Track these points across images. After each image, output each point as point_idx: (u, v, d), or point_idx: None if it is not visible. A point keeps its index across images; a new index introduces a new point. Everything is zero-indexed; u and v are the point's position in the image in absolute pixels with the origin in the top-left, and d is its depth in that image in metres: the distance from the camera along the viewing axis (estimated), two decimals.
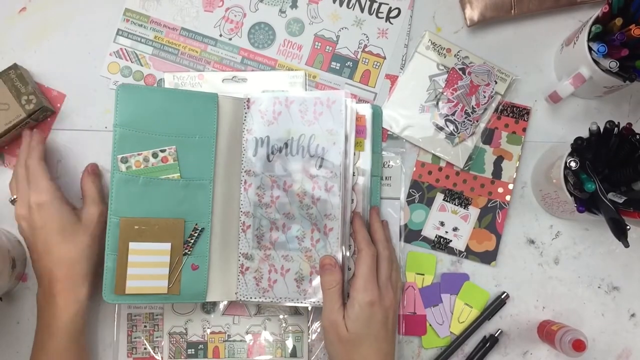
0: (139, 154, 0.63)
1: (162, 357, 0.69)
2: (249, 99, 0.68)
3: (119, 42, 0.72)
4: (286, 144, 0.67)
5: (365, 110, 0.69)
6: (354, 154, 0.67)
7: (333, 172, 0.65)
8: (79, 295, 0.62)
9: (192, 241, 0.64)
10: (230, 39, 0.72)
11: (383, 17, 0.73)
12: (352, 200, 0.67)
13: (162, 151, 0.63)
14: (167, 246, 0.63)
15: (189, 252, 0.64)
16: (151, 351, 0.69)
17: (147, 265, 0.63)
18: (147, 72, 0.72)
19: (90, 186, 0.66)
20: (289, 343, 0.70)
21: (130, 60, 0.72)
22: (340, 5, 0.73)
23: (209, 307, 0.70)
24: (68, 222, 0.62)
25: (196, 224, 0.65)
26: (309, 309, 0.70)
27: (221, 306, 0.70)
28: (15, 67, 0.68)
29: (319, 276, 0.64)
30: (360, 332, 0.60)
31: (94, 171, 0.68)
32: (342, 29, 0.73)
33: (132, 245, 0.62)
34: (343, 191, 0.65)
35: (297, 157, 0.66)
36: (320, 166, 0.65)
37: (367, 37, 0.73)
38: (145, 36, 0.72)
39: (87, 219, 0.64)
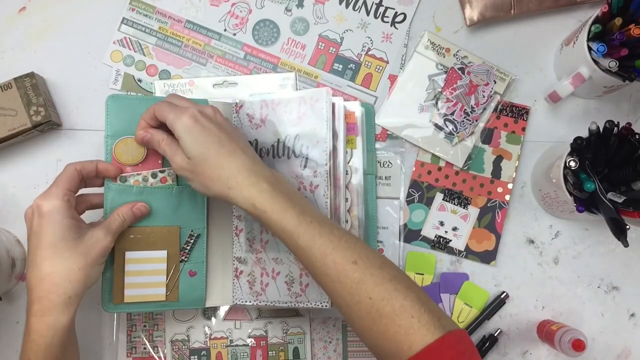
0: (138, 174, 0.62)
1: None
2: (236, 103, 0.68)
3: (123, 30, 0.72)
4: (273, 146, 0.66)
5: (355, 107, 0.68)
6: (347, 152, 0.67)
7: (317, 171, 0.63)
8: (57, 322, 0.54)
9: (188, 248, 0.64)
10: (234, 34, 0.72)
11: (388, 22, 0.72)
12: (347, 199, 0.66)
13: (162, 172, 0.63)
14: (163, 254, 0.63)
15: (186, 259, 0.64)
16: (151, 351, 0.69)
17: (144, 274, 0.62)
18: (149, 62, 0.72)
19: (118, 217, 0.60)
20: (292, 345, 0.70)
21: (134, 49, 0.72)
22: (347, 7, 0.72)
23: (209, 313, 0.70)
24: (63, 238, 0.55)
25: (192, 231, 0.64)
26: (310, 311, 0.69)
27: (222, 311, 0.70)
28: (31, 75, 0.67)
29: (309, 278, 0.63)
30: (201, 150, 0.55)
31: (140, 212, 0.61)
32: (347, 30, 0.72)
33: (128, 255, 0.61)
34: (331, 191, 0.64)
35: (284, 158, 0.65)
36: (305, 166, 0.64)
37: (371, 40, 0.72)
38: (149, 26, 0.72)
39: (91, 244, 0.56)
